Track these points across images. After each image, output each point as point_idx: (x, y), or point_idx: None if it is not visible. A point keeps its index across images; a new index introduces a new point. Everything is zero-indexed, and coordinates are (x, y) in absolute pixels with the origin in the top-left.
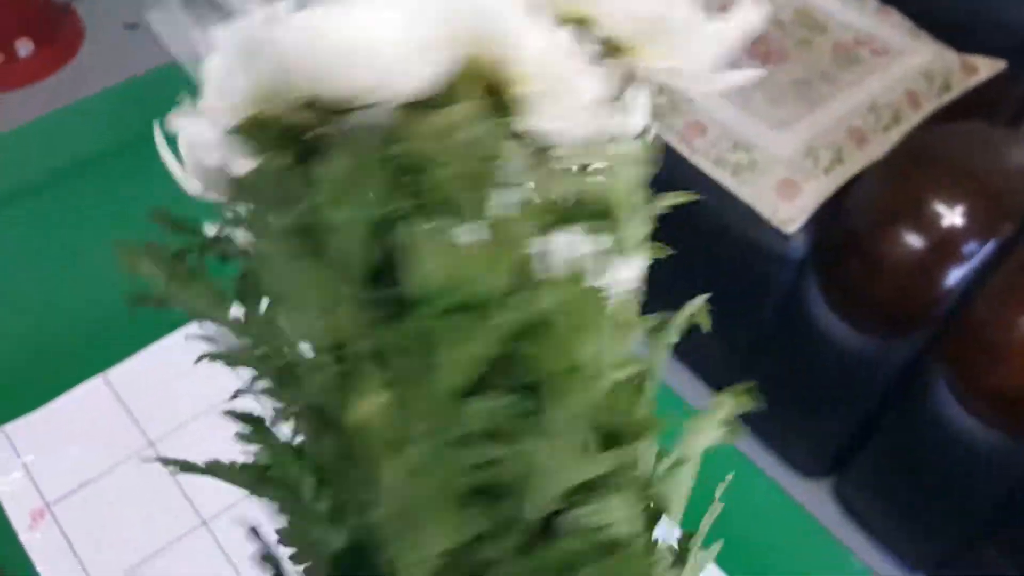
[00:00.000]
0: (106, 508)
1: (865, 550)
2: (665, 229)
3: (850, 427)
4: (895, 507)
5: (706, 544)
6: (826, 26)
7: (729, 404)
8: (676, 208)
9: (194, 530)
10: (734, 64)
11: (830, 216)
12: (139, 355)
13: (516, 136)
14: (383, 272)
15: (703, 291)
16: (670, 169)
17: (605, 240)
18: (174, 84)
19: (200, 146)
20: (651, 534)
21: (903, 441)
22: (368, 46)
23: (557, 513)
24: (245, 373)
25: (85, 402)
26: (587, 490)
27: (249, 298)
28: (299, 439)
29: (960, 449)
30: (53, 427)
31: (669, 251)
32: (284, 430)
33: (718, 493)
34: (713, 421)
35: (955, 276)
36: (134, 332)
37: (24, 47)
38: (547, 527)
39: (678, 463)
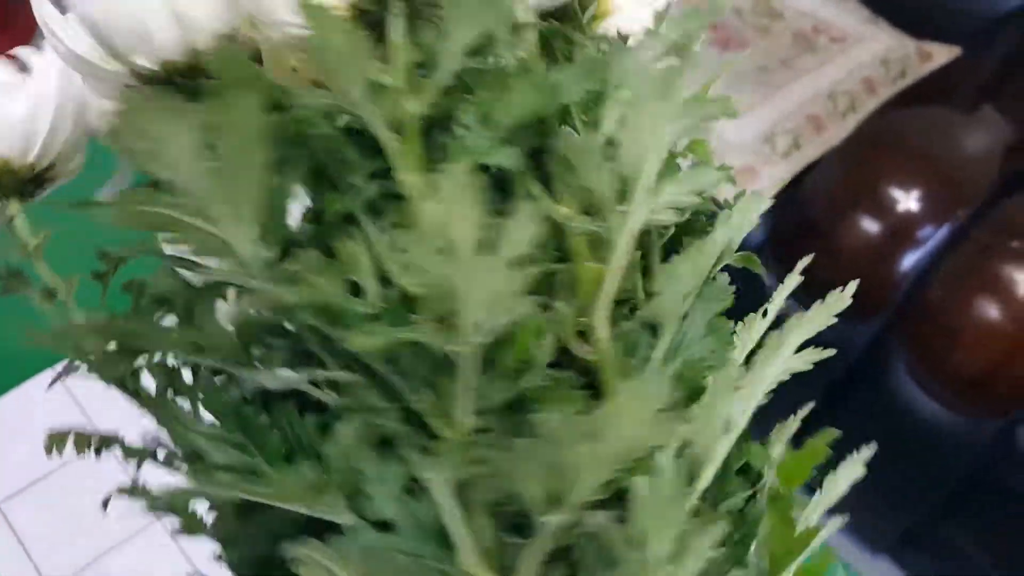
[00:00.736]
0: (58, 505)
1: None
2: None
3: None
4: (856, 486)
5: None
6: (784, 14)
7: None
8: None
9: (149, 525)
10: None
11: (788, 202)
12: None
13: None
14: None
15: None
16: None
17: None
18: None
19: None
20: None
21: (864, 422)
22: None
23: None
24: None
25: (36, 397)
26: None
27: None
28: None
29: (921, 430)
30: (2, 424)
31: None
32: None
33: None
34: None
35: (911, 260)
36: None
37: None
38: None
39: None
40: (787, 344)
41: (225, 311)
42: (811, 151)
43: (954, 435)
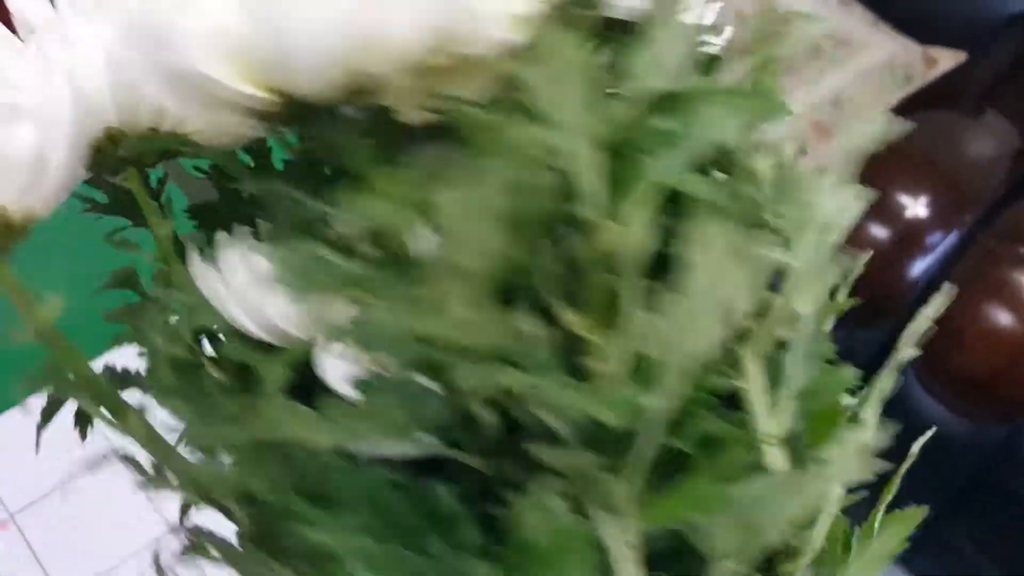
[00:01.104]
0: (71, 516)
1: None
2: None
3: None
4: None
5: None
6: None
7: None
8: None
9: (162, 537)
10: None
11: None
12: (102, 360)
13: None
14: None
15: None
16: None
17: None
18: None
19: None
20: None
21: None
22: None
23: None
24: None
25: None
26: None
27: None
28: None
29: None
30: (15, 435)
31: None
32: None
33: None
34: None
35: (921, 267)
36: (96, 337)
37: None
38: None
39: None
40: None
41: (338, 371)
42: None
43: (959, 439)
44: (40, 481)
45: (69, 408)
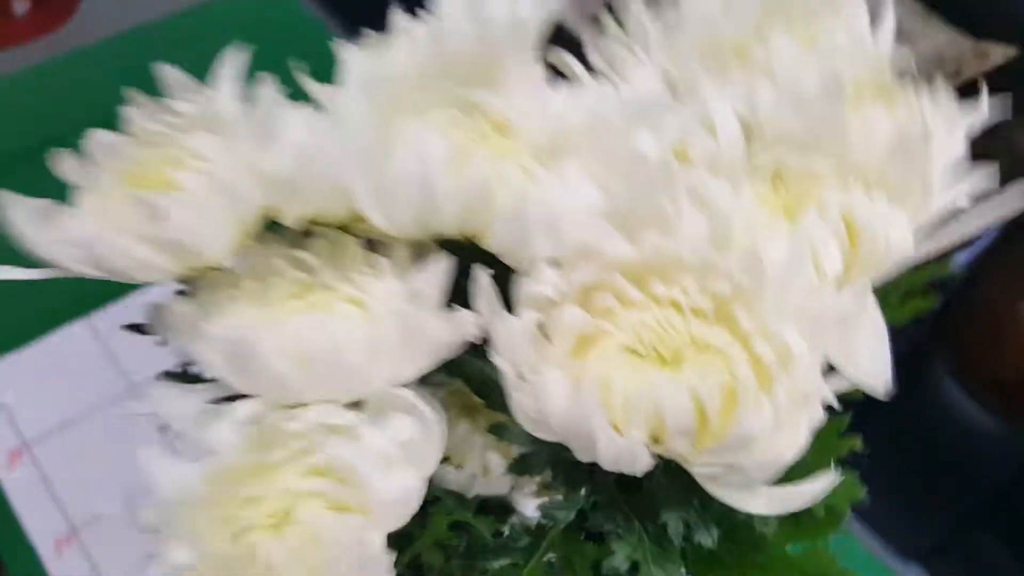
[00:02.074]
0: (86, 449)
1: (857, 536)
2: None
3: (847, 410)
4: (889, 493)
5: None
6: None
7: None
8: None
9: None
10: None
11: None
12: (125, 300)
13: None
14: None
15: None
16: None
17: None
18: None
19: None
20: None
21: (901, 424)
22: None
23: None
24: None
25: (68, 345)
26: None
27: None
28: None
29: (958, 434)
30: (35, 368)
31: None
32: None
33: None
34: None
35: (961, 258)
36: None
37: (21, 5)
38: None
39: None
40: None
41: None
42: None
43: (993, 439)
44: (57, 414)
45: (90, 344)
